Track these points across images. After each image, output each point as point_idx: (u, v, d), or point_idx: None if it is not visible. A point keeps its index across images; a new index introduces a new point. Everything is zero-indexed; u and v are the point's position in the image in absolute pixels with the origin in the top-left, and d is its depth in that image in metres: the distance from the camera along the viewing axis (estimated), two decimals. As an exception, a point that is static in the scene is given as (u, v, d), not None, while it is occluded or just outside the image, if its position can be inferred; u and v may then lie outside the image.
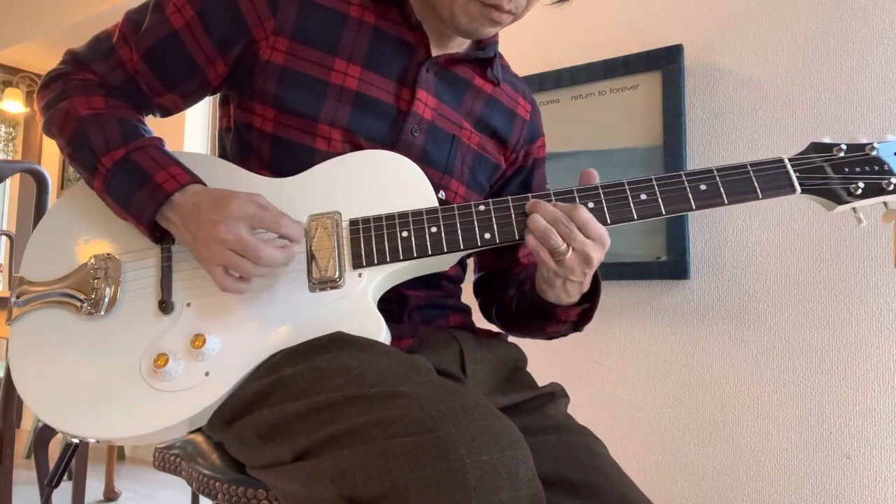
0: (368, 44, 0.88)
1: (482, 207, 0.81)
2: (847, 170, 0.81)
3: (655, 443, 1.89)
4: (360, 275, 0.80)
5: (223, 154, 0.95)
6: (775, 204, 1.77)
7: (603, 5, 2.07)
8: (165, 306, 0.81)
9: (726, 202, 0.80)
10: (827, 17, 1.74)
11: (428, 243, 0.80)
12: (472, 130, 0.96)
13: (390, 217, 0.81)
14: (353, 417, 0.64)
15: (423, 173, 0.84)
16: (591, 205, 0.80)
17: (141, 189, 0.80)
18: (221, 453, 0.85)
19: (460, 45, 0.95)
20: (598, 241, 0.79)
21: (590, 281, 0.85)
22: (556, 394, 0.94)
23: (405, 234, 0.80)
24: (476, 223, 0.80)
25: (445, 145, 0.92)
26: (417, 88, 0.88)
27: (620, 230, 1.97)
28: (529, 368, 0.99)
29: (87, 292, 0.83)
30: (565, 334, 0.98)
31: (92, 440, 0.80)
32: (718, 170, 0.81)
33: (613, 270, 1.94)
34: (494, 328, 1.04)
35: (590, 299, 0.90)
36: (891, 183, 0.80)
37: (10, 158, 4.36)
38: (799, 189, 0.81)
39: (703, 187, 0.81)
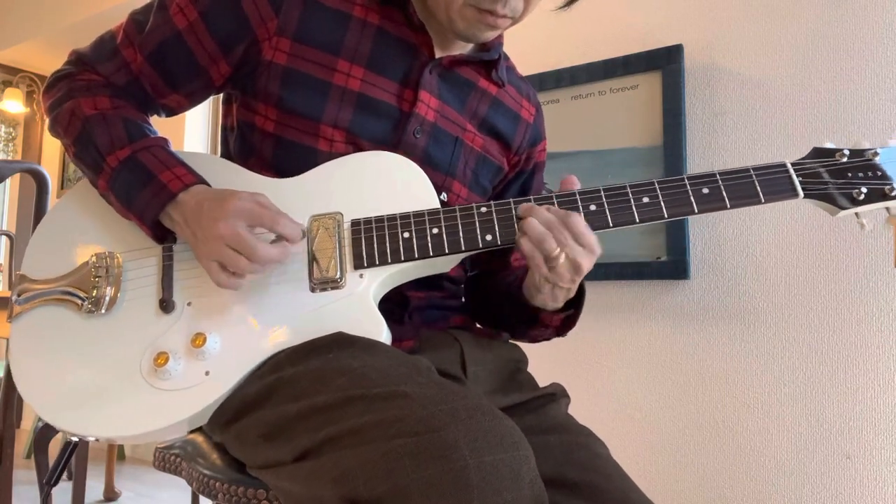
0: (371, 45, 0.88)
1: (484, 209, 0.81)
2: (850, 175, 0.81)
3: (655, 443, 1.89)
4: (361, 275, 0.80)
5: (225, 153, 0.95)
6: (775, 205, 1.76)
7: (603, 5, 2.07)
8: (166, 305, 0.81)
9: (729, 206, 0.80)
10: (827, 17, 1.74)
11: (429, 244, 0.80)
12: (475, 132, 0.95)
13: (392, 218, 0.81)
14: (355, 418, 0.64)
15: (424, 174, 0.84)
16: (592, 207, 0.80)
17: (145, 189, 0.80)
18: (221, 453, 0.85)
19: (464, 47, 0.95)
20: (590, 250, 0.79)
21: (576, 288, 0.85)
22: (556, 394, 0.94)
23: (406, 235, 0.80)
24: (478, 225, 0.80)
25: (448, 147, 0.92)
26: (420, 90, 0.88)
27: (621, 230, 1.97)
28: (530, 368, 0.99)
29: (87, 290, 0.83)
30: (548, 339, 0.98)
31: (92, 439, 0.80)
32: (721, 173, 0.81)
33: (613, 270, 1.94)
34: (495, 328, 1.04)
35: (574, 305, 0.90)
36: (893, 188, 0.79)
37: (10, 158, 4.36)
38: (802, 194, 0.81)
39: (705, 191, 0.81)
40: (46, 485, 0.91)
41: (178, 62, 0.86)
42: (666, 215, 0.80)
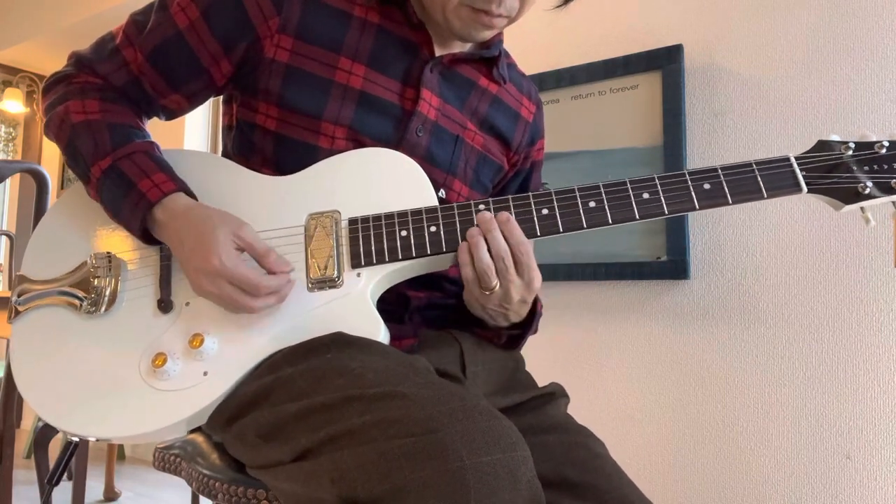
0: (373, 43, 0.88)
1: (482, 206, 0.80)
2: (855, 168, 0.79)
3: (655, 443, 1.89)
4: (358, 274, 0.79)
5: (226, 152, 0.95)
6: (776, 204, 1.77)
7: (603, 5, 2.07)
8: (164, 305, 0.81)
9: (731, 202, 0.79)
10: (827, 17, 1.74)
11: (427, 243, 0.80)
12: (476, 131, 0.95)
13: (389, 216, 0.81)
14: (353, 418, 0.64)
15: (423, 172, 0.84)
16: (592, 204, 0.80)
17: (126, 198, 0.80)
18: (221, 453, 0.85)
19: (464, 45, 0.95)
20: (527, 286, 0.79)
21: (521, 314, 0.85)
22: (555, 394, 0.94)
23: (404, 233, 0.80)
24: (476, 222, 0.80)
25: (449, 146, 0.92)
26: (422, 88, 0.88)
27: (621, 230, 1.98)
28: (529, 368, 0.99)
29: (87, 291, 0.83)
30: (498, 347, 0.96)
31: (92, 439, 0.80)
32: (723, 168, 0.80)
33: (613, 270, 1.94)
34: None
35: (521, 327, 0.90)
36: None
37: (10, 158, 4.36)
38: (805, 188, 0.79)
39: (706, 186, 0.79)
40: (48, 484, 0.91)
41: (179, 61, 0.86)
42: (666, 211, 0.79)
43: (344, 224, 0.81)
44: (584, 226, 0.79)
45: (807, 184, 0.79)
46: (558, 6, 0.96)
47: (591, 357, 2.00)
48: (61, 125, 0.85)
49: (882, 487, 1.60)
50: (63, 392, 0.80)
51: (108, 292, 0.83)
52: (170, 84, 0.87)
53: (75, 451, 0.95)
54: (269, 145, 0.87)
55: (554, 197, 0.80)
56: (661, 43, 1.94)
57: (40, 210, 1.51)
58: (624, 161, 1.96)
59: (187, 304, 0.81)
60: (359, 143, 0.86)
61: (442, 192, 0.91)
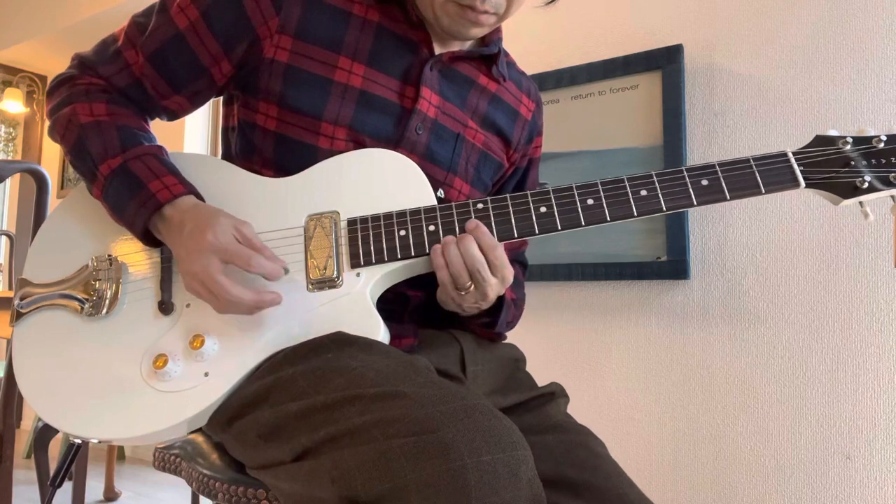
0: (372, 42, 0.88)
1: (480, 205, 0.80)
2: (853, 163, 0.79)
3: (655, 442, 1.89)
4: (358, 274, 0.79)
5: (227, 153, 0.95)
6: (776, 204, 1.77)
7: (603, 5, 2.07)
8: (165, 307, 0.81)
9: (728, 198, 0.79)
10: (827, 17, 1.74)
11: (426, 242, 0.80)
12: (477, 129, 0.95)
13: (388, 216, 0.81)
14: (354, 417, 0.64)
15: (421, 171, 0.84)
16: (590, 201, 0.80)
17: (134, 198, 0.80)
18: (221, 453, 0.85)
19: (463, 44, 0.95)
20: (501, 282, 0.81)
21: (492, 300, 0.85)
22: (555, 394, 0.94)
23: (403, 232, 0.80)
24: None
25: (449, 144, 0.92)
26: (421, 86, 0.88)
27: (621, 230, 1.98)
28: (529, 368, 0.99)
29: (88, 294, 0.84)
30: (479, 333, 0.97)
31: (94, 440, 0.80)
32: (720, 164, 0.80)
33: (613, 270, 1.94)
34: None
35: (490, 315, 0.90)
36: None
37: (10, 158, 4.36)
38: (803, 183, 0.79)
39: (704, 182, 0.79)
40: (51, 486, 0.91)
41: (180, 62, 0.86)
42: (664, 208, 0.79)
43: (343, 224, 0.81)
44: (583, 223, 0.79)
45: (805, 179, 0.79)
46: (548, 3, 0.96)
47: (591, 357, 2.01)
48: (68, 126, 0.85)
49: (882, 487, 1.60)
50: (65, 394, 0.80)
51: (109, 295, 0.83)
52: (171, 85, 0.88)
53: (78, 453, 0.95)
54: (269, 145, 0.87)
55: (552, 195, 0.80)
56: (661, 43, 1.94)
57: (40, 210, 1.51)
58: (624, 161, 1.96)
59: (188, 305, 0.81)
60: (359, 143, 0.86)
61: (441, 192, 0.91)
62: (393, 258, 0.79)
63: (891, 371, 1.61)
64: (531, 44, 2.17)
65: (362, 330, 0.76)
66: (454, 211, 0.80)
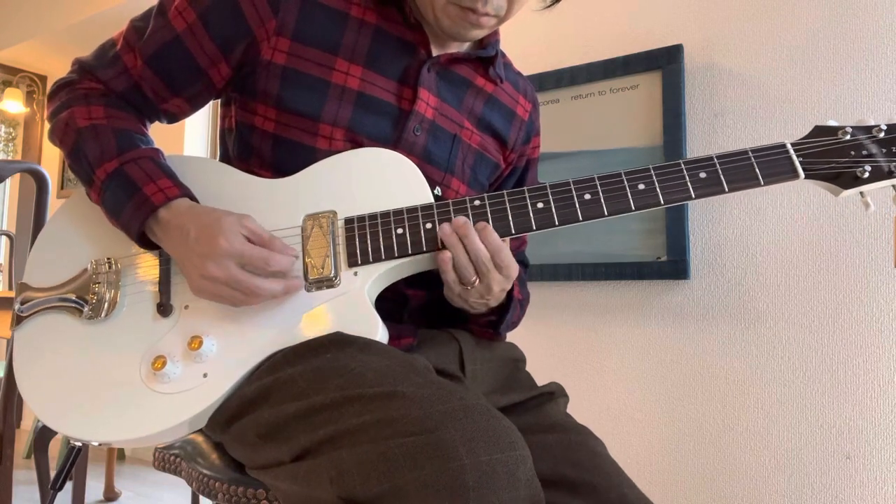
0: (370, 44, 0.88)
1: (477, 202, 0.80)
2: (853, 153, 0.78)
3: (655, 442, 1.89)
4: (355, 273, 0.79)
5: (224, 154, 0.95)
6: (776, 204, 1.77)
7: (603, 5, 2.07)
8: (164, 309, 0.82)
9: (727, 190, 0.78)
10: (827, 18, 1.74)
11: (423, 240, 0.80)
12: (473, 130, 0.96)
13: (385, 215, 0.81)
14: (352, 418, 0.64)
15: (417, 170, 0.84)
16: (587, 196, 0.79)
17: (129, 201, 0.80)
18: (221, 453, 0.85)
19: (461, 45, 0.95)
20: (506, 278, 0.80)
21: (501, 298, 0.85)
22: (555, 393, 0.94)
23: (400, 230, 0.80)
24: (471, 218, 0.80)
25: (446, 144, 0.92)
26: (419, 88, 0.88)
27: (621, 230, 1.98)
28: (529, 368, 0.99)
29: (88, 297, 0.84)
30: (485, 335, 0.97)
31: (94, 443, 0.80)
32: (719, 157, 0.79)
33: (613, 270, 1.94)
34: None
35: (497, 313, 0.90)
36: None
37: (10, 158, 4.36)
38: (802, 174, 0.78)
39: (702, 175, 0.78)
40: (52, 490, 0.92)
41: (178, 65, 0.86)
42: (662, 201, 0.78)
43: (340, 224, 0.81)
44: (580, 218, 0.79)
45: (804, 169, 0.78)
46: (547, 6, 0.96)
47: (591, 357, 2.00)
48: (66, 129, 0.85)
49: (882, 487, 1.60)
50: (65, 397, 0.80)
51: (108, 298, 0.84)
52: (170, 88, 0.88)
53: (78, 456, 0.96)
54: (267, 147, 0.87)
55: (549, 190, 0.80)
56: (661, 43, 1.94)
57: (40, 210, 1.51)
58: (624, 161, 1.96)
59: (186, 307, 0.81)
60: (357, 144, 0.86)
61: (438, 191, 0.91)
62: (390, 256, 0.79)
63: (891, 371, 1.61)
64: (531, 44, 2.17)
65: (361, 329, 0.76)
66: (451, 208, 0.80)
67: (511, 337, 1.04)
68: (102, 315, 0.83)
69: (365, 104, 0.86)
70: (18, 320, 0.86)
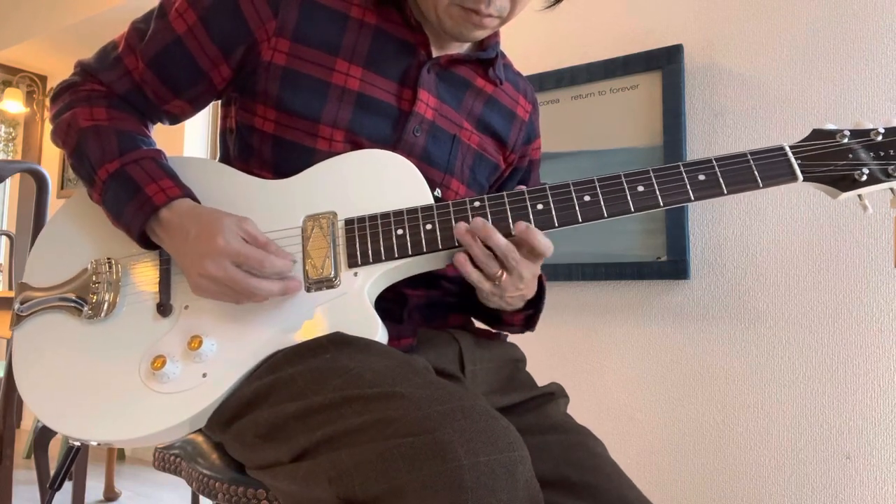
0: (370, 45, 0.88)
1: (477, 203, 0.80)
2: (851, 156, 0.78)
3: (655, 443, 1.89)
4: (355, 274, 0.79)
5: (225, 155, 0.95)
6: (776, 204, 1.77)
7: (603, 5, 2.07)
8: (164, 309, 0.82)
9: (725, 192, 0.78)
10: (827, 18, 1.74)
11: (423, 241, 0.80)
12: (472, 131, 0.96)
13: (385, 216, 0.81)
14: (351, 418, 0.64)
15: (418, 171, 0.84)
16: (587, 198, 0.79)
17: (131, 201, 0.80)
18: (221, 453, 0.85)
19: (461, 46, 0.95)
20: (537, 258, 0.79)
21: (534, 288, 0.85)
22: (555, 394, 0.94)
23: (400, 231, 0.80)
24: (471, 220, 0.80)
25: (446, 145, 0.92)
26: (419, 89, 0.88)
27: (621, 230, 1.98)
28: (529, 368, 0.99)
29: (87, 297, 0.84)
30: (519, 332, 1.00)
31: (93, 443, 0.80)
32: (717, 159, 0.79)
33: (613, 270, 1.94)
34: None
35: (534, 305, 0.91)
36: None
37: (10, 158, 4.36)
38: (801, 177, 0.78)
39: (701, 177, 0.79)
40: (50, 489, 0.92)
41: (179, 67, 0.86)
42: (661, 203, 0.78)
43: (340, 224, 0.81)
44: (580, 220, 0.79)
45: (802, 172, 0.78)
46: (549, 6, 0.96)
47: (591, 357, 2.00)
48: (68, 130, 0.86)
49: (882, 487, 1.60)
50: (64, 397, 0.80)
51: (108, 298, 0.84)
52: (171, 90, 0.88)
53: (77, 456, 0.95)
54: (267, 148, 0.87)
55: (549, 192, 0.80)
56: (661, 43, 1.94)
57: (40, 210, 1.51)
58: (624, 161, 1.96)
59: (186, 307, 0.81)
60: (357, 145, 0.86)
61: (438, 192, 0.91)
62: (390, 257, 0.79)
63: (891, 371, 1.61)
64: (531, 44, 2.17)
65: (360, 330, 0.76)
66: (451, 209, 0.80)
67: (511, 337, 1.04)
68: (102, 315, 0.83)
69: (365, 105, 0.86)
70: (18, 320, 0.86)
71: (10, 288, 3.05)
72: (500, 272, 0.78)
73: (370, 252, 0.80)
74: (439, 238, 0.79)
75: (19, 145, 4.39)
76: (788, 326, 1.73)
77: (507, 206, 0.80)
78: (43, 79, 4.27)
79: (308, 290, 0.79)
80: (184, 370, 0.78)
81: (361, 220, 0.81)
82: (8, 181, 4.19)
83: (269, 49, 0.85)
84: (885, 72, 1.66)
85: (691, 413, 1.84)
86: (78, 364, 0.81)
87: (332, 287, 0.79)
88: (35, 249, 0.91)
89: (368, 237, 0.80)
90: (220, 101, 0.96)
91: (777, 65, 1.79)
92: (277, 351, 0.77)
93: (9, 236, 2.60)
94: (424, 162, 0.88)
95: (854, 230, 1.67)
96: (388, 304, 0.84)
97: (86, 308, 0.83)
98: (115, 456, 2.66)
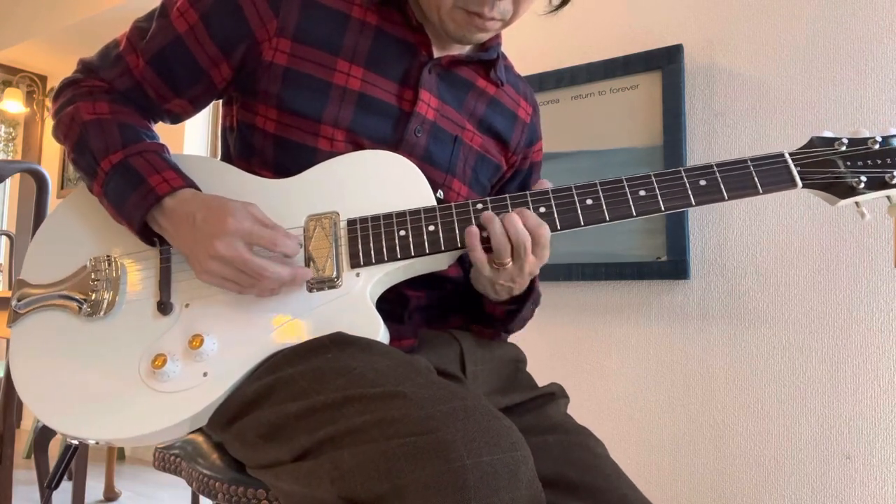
0: (371, 45, 0.88)
1: (480, 205, 0.81)
2: (849, 164, 0.80)
3: (655, 443, 1.89)
4: (357, 274, 0.80)
5: (226, 154, 0.95)
6: (775, 204, 1.77)
7: (603, 5, 2.07)
8: (164, 307, 0.81)
9: (726, 198, 0.79)
10: (827, 17, 1.74)
11: (426, 242, 0.80)
12: (474, 131, 0.96)
13: (388, 216, 0.81)
14: (353, 418, 0.64)
15: (420, 172, 0.84)
16: (589, 202, 0.80)
17: (134, 192, 0.80)
18: (221, 453, 0.85)
19: (462, 47, 0.95)
20: (539, 261, 0.80)
21: (524, 286, 0.85)
22: (555, 394, 0.94)
23: (403, 232, 0.80)
24: (473, 221, 0.80)
25: (448, 146, 0.92)
26: (420, 89, 0.89)
27: (621, 230, 1.98)
28: (529, 368, 0.99)
29: (86, 294, 0.83)
30: (499, 328, 0.97)
31: (92, 442, 0.80)
32: (718, 165, 0.80)
33: (613, 270, 1.94)
34: (494, 328, 1.03)
35: (519, 302, 0.90)
36: (894, 176, 0.78)
37: (10, 158, 4.36)
38: (800, 183, 0.79)
39: (702, 182, 0.80)
40: (47, 488, 0.91)
41: (179, 66, 0.86)
42: (663, 208, 0.79)
43: (342, 225, 0.81)
44: (582, 223, 0.80)
45: (801, 179, 0.80)
46: (551, 11, 0.96)
47: (591, 357, 2.00)
48: (71, 124, 0.86)
49: (882, 487, 1.60)
50: (63, 395, 0.80)
51: (107, 295, 0.83)
52: (172, 89, 0.88)
53: (75, 454, 0.95)
54: (268, 148, 0.87)
55: (551, 195, 0.80)
56: (661, 43, 1.94)
57: (40, 210, 1.51)
58: (624, 161, 1.96)
59: (187, 305, 0.81)
60: (358, 145, 0.86)
61: (440, 193, 0.91)
62: (393, 258, 0.79)
63: (891, 371, 1.61)
64: (531, 44, 2.17)
65: (362, 330, 0.76)
66: (454, 211, 0.80)
67: (511, 337, 1.04)
68: (101, 313, 0.83)
69: (366, 105, 0.86)
70: (15, 317, 0.86)
71: (11, 288, 3.04)
72: (508, 260, 0.78)
73: (373, 252, 0.80)
74: (442, 239, 0.80)
75: (19, 145, 4.39)
76: (788, 326, 1.73)
77: (510, 209, 0.80)
78: (43, 79, 4.27)
79: (310, 290, 0.79)
80: (184, 369, 0.78)
81: (364, 220, 0.81)
82: (8, 181, 4.19)
83: (270, 49, 0.85)
84: (885, 72, 1.66)
85: (691, 413, 1.84)
86: (76, 362, 0.81)
87: (333, 287, 0.79)
88: (33, 246, 0.90)
89: (371, 238, 0.80)
90: (220, 101, 0.96)
91: (777, 65, 1.79)
92: (279, 350, 0.77)
93: (9, 236, 2.60)
94: (426, 162, 0.88)
95: (854, 231, 1.67)
96: (390, 304, 0.84)
97: (84, 305, 0.83)
98: (115, 456, 2.66)
